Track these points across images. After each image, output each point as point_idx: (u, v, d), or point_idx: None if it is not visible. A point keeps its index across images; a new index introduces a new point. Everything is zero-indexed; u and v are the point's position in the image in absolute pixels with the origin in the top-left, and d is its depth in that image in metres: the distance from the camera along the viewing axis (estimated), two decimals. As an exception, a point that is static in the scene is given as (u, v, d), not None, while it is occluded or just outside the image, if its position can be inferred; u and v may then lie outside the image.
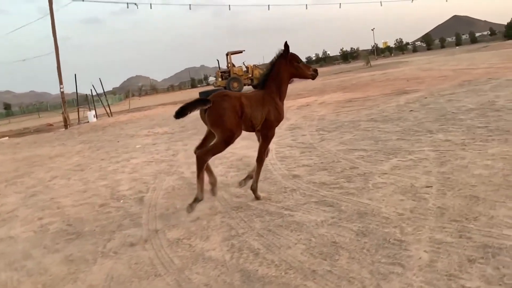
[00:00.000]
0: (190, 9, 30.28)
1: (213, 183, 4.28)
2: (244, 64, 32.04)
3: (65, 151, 10.47)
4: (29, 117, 52.37)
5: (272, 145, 7.03)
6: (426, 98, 10.13)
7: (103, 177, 6.51)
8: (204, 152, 3.97)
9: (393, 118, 7.97)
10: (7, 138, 18.55)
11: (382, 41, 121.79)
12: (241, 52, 32.97)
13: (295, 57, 4.42)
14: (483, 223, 3.03)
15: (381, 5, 36.53)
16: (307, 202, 3.98)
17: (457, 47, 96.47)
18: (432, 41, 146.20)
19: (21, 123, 36.20)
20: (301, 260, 2.85)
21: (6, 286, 3.19)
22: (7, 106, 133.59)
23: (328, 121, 9.03)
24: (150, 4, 27.33)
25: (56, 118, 29.41)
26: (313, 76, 4.53)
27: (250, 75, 30.87)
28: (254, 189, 4.32)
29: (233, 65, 31.54)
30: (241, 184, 4.49)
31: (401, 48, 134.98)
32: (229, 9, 32.06)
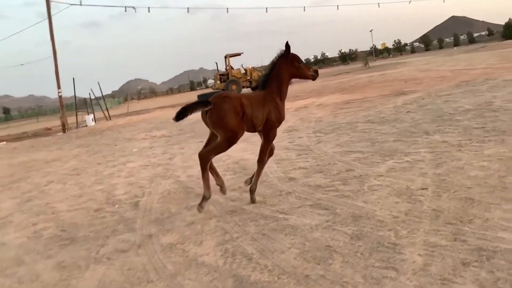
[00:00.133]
0: (188, 12, 30.29)
1: (221, 184, 4.30)
2: (242, 66, 32.05)
3: (62, 156, 10.44)
4: (28, 122, 52.31)
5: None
6: (423, 99, 10.12)
7: (99, 182, 6.49)
8: (206, 151, 3.99)
9: (390, 120, 7.96)
10: (4, 142, 18.52)
11: (381, 42, 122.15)
12: (239, 54, 32.99)
13: (296, 57, 4.42)
14: (478, 226, 3.00)
15: (379, 6, 36.54)
16: (302, 205, 3.95)
17: (455, 48, 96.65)
18: (430, 41, 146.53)
19: (20, 127, 36.17)
20: (294, 265, 2.82)
21: (-3, 293, 3.16)
22: (6, 111, 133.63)
23: (326, 123, 9.02)
24: (148, 7, 27.37)
25: (54, 122, 29.40)
26: (314, 76, 4.52)
27: (248, 78, 30.88)
28: (252, 190, 4.30)
29: (232, 68, 31.55)
30: (247, 182, 4.48)
31: (399, 49, 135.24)
32: (227, 12, 32.11)
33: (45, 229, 4.46)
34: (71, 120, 21.92)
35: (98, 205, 5.10)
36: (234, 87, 29.73)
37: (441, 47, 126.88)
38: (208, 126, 4.14)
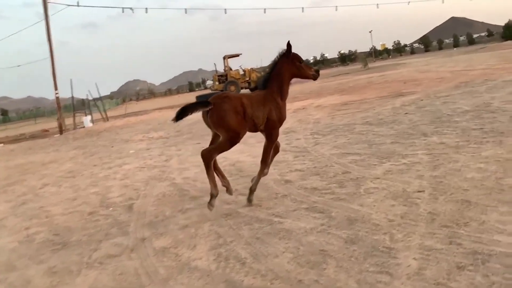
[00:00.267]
0: (186, 13, 30.28)
1: (226, 185, 4.28)
2: (241, 67, 32.02)
3: (58, 158, 10.39)
4: (26, 123, 52.25)
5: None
6: (422, 100, 10.09)
7: (94, 184, 6.44)
8: (209, 150, 3.98)
9: (388, 121, 7.92)
10: (2, 145, 18.46)
11: (380, 43, 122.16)
12: (238, 55, 32.95)
13: (297, 57, 4.41)
14: (473, 229, 2.96)
15: (378, 7, 36.59)
16: (297, 209, 3.91)
17: (454, 49, 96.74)
18: (430, 42, 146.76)
19: (18, 129, 36.10)
20: (288, 270, 2.78)
21: (-13, 299, 3.11)
22: (4, 112, 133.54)
23: (323, 124, 8.98)
24: (146, 8, 27.36)
25: (52, 123, 29.31)
26: (315, 76, 4.51)
27: (247, 79, 30.84)
28: (252, 190, 4.28)
29: (230, 69, 31.52)
30: (253, 180, 4.45)
31: (399, 50, 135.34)
32: (225, 13, 32.09)
33: (38, 233, 4.41)
34: (69, 121, 21.87)
35: (92, 208, 5.05)
36: (232, 88, 29.68)
37: (440, 48, 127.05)
38: (209, 126, 4.13)
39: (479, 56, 31.06)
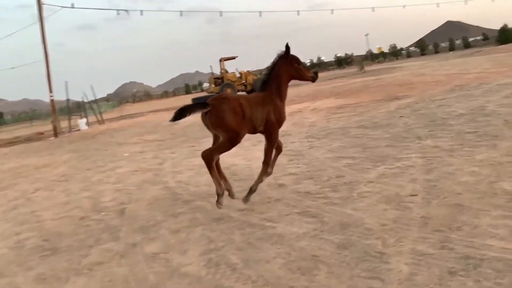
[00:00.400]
0: (181, 15, 30.24)
1: (228, 188, 4.30)
2: (237, 70, 32.03)
3: (52, 161, 10.31)
4: (21, 126, 51.94)
5: (260, 153, 6.94)
6: (417, 103, 10.10)
7: (87, 188, 6.37)
8: (209, 151, 4.00)
9: (383, 125, 7.92)
10: (-4, 147, 18.31)
11: (377, 46, 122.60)
12: (234, 58, 32.99)
13: (295, 59, 4.43)
14: (466, 233, 2.94)
15: (373, 11, 36.76)
16: (290, 213, 3.88)
17: (450, 52, 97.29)
18: (426, 46, 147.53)
19: (13, 131, 35.85)
20: (278, 275, 2.74)
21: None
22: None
23: (319, 128, 8.96)
24: (141, 11, 27.29)
25: (48, 126, 29.15)
26: (313, 78, 4.54)
27: (243, 81, 30.84)
28: (253, 190, 4.29)
29: (226, 71, 31.52)
30: (261, 180, 4.45)
31: (395, 53, 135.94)
32: (221, 15, 32.06)
33: (28, 238, 4.35)
34: (64, 124, 21.74)
35: (84, 213, 4.99)
36: (229, 90, 29.66)
37: (436, 52, 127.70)
38: (208, 128, 4.14)
39: (474, 59, 31.20)
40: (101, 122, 22.91)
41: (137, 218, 4.47)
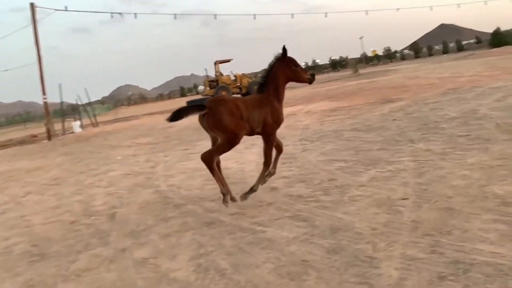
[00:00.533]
0: (175, 18, 30.22)
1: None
2: (232, 73, 32.03)
3: (44, 164, 10.22)
4: (15, 128, 51.51)
5: (253, 156, 6.94)
6: (410, 106, 10.13)
7: (79, 192, 6.31)
8: (208, 153, 4.03)
9: (376, 128, 7.93)
10: (-11, 151, 18.12)
11: (371, 49, 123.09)
12: (229, 61, 33.00)
13: (292, 61, 4.46)
14: (456, 237, 2.94)
15: (367, 14, 36.97)
16: (281, 217, 3.86)
17: (444, 55, 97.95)
18: (420, 49, 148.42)
19: (7, 134, 35.56)
20: (268, 281, 2.72)
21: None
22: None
23: (312, 130, 8.96)
24: (135, 14, 27.23)
25: (42, 128, 28.94)
26: (310, 80, 4.57)
27: (238, 84, 30.85)
28: (254, 190, 4.32)
29: (221, 74, 31.51)
30: (264, 180, 4.51)
31: (389, 56, 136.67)
32: (215, 18, 32.04)
33: (17, 244, 4.28)
34: (58, 126, 21.58)
35: (74, 217, 4.94)
36: (224, 93, 29.62)
37: (430, 55, 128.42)
38: (206, 130, 4.17)
39: (467, 63, 31.42)
40: (95, 124, 22.76)
41: (128, 222, 4.43)
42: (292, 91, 25.64)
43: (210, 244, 3.48)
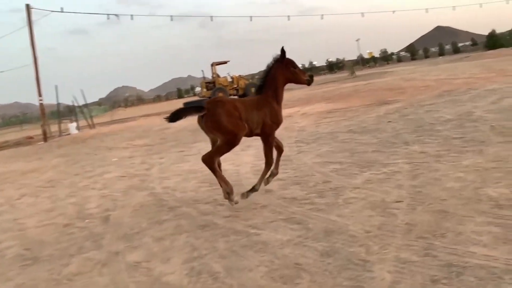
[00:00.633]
0: (171, 20, 30.19)
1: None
2: (229, 74, 32.04)
3: (40, 166, 10.16)
4: (12, 130, 51.27)
5: (249, 158, 6.93)
6: (406, 108, 10.16)
7: (73, 194, 6.28)
8: (209, 154, 4.04)
9: (371, 129, 7.94)
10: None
11: (367, 51, 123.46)
12: (225, 62, 33.01)
13: (291, 62, 4.48)
14: (449, 240, 2.94)
15: (363, 16, 37.11)
16: (275, 220, 3.85)
17: (440, 57, 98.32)
18: (416, 51, 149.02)
19: (3, 135, 35.35)
20: (260, 284, 2.71)
21: None
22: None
23: (308, 132, 8.96)
24: (131, 15, 27.20)
25: (38, 130, 28.81)
26: (309, 81, 4.59)
27: (235, 86, 30.87)
28: (255, 189, 4.36)
29: (218, 76, 31.50)
30: (268, 181, 4.57)
31: (386, 58, 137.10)
32: (211, 20, 32.04)
33: (9, 247, 4.24)
34: (54, 128, 21.50)
35: (68, 220, 4.91)
36: (220, 95, 29.64)
37: (426, 57, 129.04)
38: (205, 131, 4.18)
39: (463, 65, 31.53)
40: (91, 126, 22.69)
41: (121, 225, 4.40)
42: (290, 93, 25.67)
43: (203, 247, 3.47)
